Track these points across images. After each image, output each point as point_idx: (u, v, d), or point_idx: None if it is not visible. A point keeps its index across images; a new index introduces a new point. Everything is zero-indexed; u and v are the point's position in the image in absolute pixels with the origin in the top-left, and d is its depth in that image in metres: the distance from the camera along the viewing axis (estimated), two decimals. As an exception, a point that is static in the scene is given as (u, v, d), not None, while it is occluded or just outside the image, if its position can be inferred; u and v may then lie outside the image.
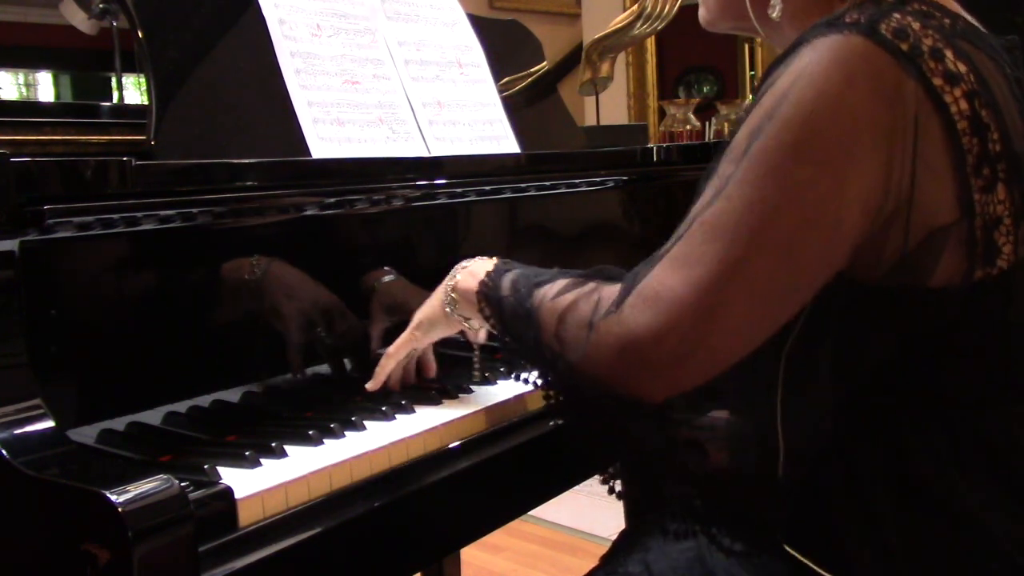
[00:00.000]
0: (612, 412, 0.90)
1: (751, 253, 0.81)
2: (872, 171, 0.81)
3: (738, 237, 0.81)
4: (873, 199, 0.82)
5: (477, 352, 1.19)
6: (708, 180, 0.86)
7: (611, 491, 1.10)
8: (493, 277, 1.01)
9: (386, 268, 1.22)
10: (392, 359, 1.13)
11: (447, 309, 1.08)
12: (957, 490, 0.86)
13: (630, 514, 1.85)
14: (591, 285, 0.92)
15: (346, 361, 1.19)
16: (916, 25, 0.84)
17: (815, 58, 0.82)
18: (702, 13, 1.08)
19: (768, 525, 0.94)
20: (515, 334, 0.97)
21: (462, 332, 1.14)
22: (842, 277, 0.86)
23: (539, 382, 0.97)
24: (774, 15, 0.97)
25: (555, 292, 0.94)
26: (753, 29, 1.03)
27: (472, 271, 1.05)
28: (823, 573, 0.89)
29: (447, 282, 1.08)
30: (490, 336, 1.10)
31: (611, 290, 0.89)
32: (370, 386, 1.13)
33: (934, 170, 0.83)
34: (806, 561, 0.90)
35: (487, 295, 1.01)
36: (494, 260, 1.05)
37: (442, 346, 1.19)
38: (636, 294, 0.85)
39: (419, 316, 1.12)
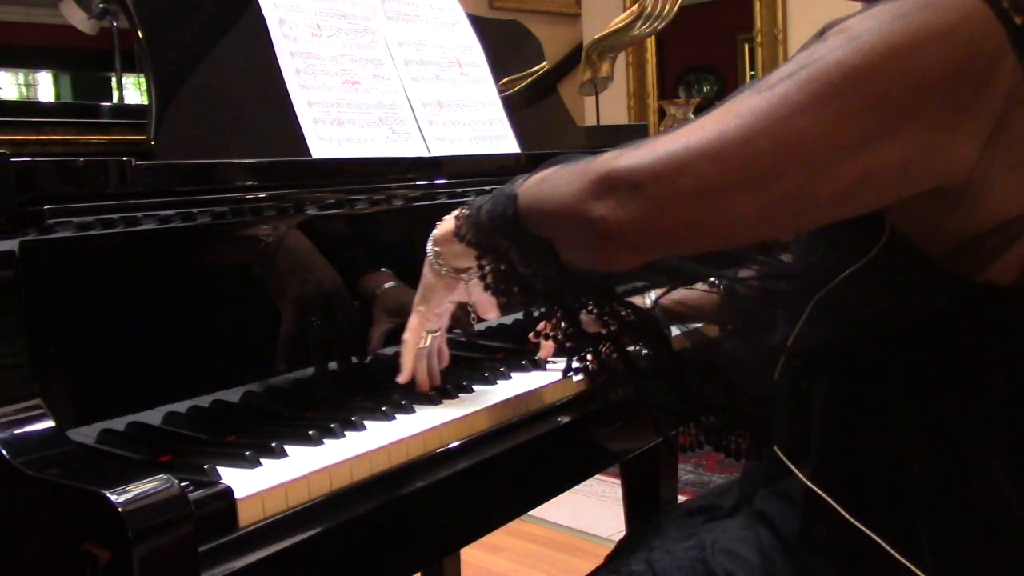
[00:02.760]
0: (597, 290, 0.89)
1: (769, 147, 0.77)
2: (929, 131, 0.77)
3: (764, 127, 0.77)
4: (919, 160, 0.78)
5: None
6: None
7: (720, 447, 1.06)
8: (471, 202, 1.00)
9: (386, 271, 1.22)
10: (410, 345, 1.11)
11: (436, 266, 1.06)
12: (989, 469, 0.85)
13: (630, 514, 1.86)
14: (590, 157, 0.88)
15: (345, 361, 1.19)
16: None
17: (920, 2, 0.77)
18: None
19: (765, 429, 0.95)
20: (492, 225, 0.94)
21: (464, 318, 1.12)
22: (904, 241, 0.83)
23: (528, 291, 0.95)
24: None
25: (541, 170, 0.92)
26: None
27: (447, 218, 1.04)
28: (842, 512, 0.88)
29: (428, 243, 1.06)
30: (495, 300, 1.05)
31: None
32: (401, 378, 1.11)
33: (1012, 158, 0.79)
34: (827, 498, 0.89)
35: (465, 216, 0.99)
36: None
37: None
38: (642, 142, 0.82)
39: (419, 295, 1.11)
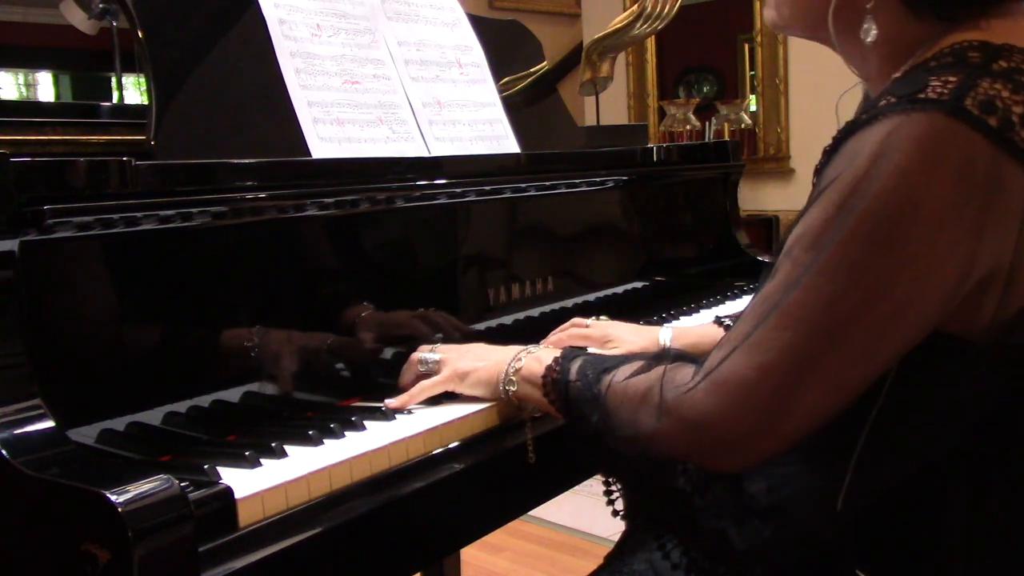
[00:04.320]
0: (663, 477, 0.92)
1: (826, 347, 0.80)
2: (957, 260, 0.78)
3: (814, 330, 0.80)
4: (955, 285, 0.79)
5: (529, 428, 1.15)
6: (782, 258, 0.84)
7: (614, 513, 1.09)
8: (561, 363, 1.01)
9: (364, 303, 1.21)
10: (426, 392, 1.12)
11: (503, 387, 1.08)
12: None
13: (631, 514, 1.85)
14: (660, 369, 0.91)
15: (346, 366, 1.19)
16: (1006, 92, 0.78)
17: (894, 145, 0.78)
18: (770, 15, 1.01)
19: (831, 552, 0.94)
20: (580, 417, 0.97)
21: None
22: (942, 336, 0.83)
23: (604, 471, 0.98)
24: (868, 40, 0.90)
25: (624, 376, 0.94)
26: (826, 40, 0.97)
27: (538, 356, 1.06)
28: None
29: (511, 363, 1.08)
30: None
31: (683, 373, 0.88)
32: (393, 404, 1.11)
33: None
34: None
35: (554, 380, 1.01)
36: (561, 349, 1.05)
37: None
38: (708, 379, 0.85)
39: (470, 368, 1.12)
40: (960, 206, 0.77)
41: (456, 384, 1.13)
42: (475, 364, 1.12)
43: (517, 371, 1.07)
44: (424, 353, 1.16)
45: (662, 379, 0.89)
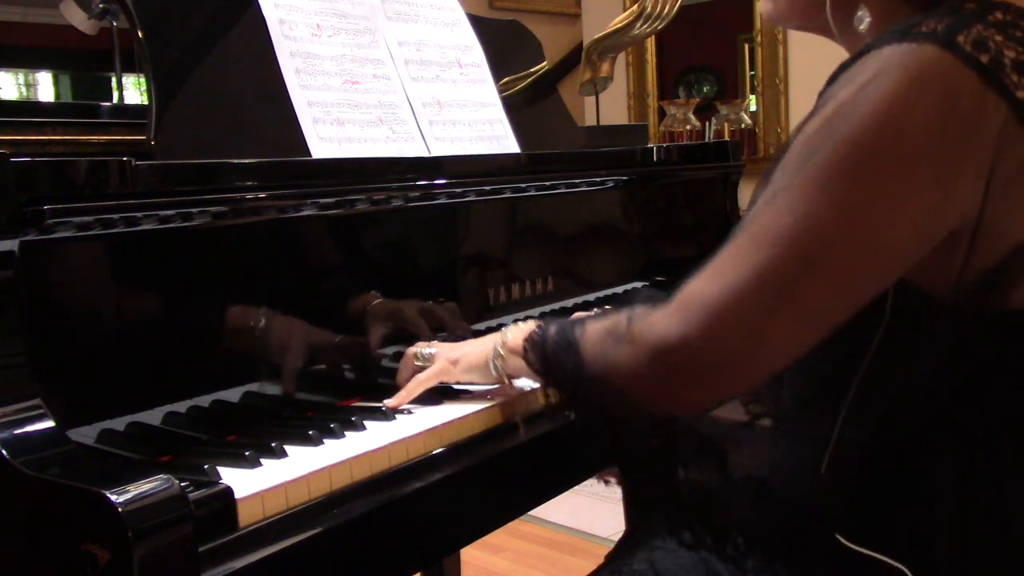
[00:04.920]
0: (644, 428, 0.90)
1: (798, 271, 0.78)
2: (934, 195, 0.77)
3: (786, 252, 0.78)
4: (931, 221, 0.78)
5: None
6: (761, 189, 0.83)
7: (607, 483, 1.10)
8: (542, 326, 1.01)
9: (373, 292, 1.21)
10: (422, 385, 1.13)
11: (493, 363, 1.09)
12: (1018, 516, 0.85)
13: (630, 514, 1.86)
14: (634, 306, 0.90)
15: (346, 366, 1.19)
16: (999, 37, 0.78)
17: (883, 70, 0.77)
18: (767, 8, 1.01)
19: (814, 518, 0.93)
20: (557, 367, 0.96)
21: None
22: (924, 298, 0.83)
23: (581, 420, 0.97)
24: (862, 27, 0.91)
25: (597, 320, 0.93)
26: (824, 30, 0.98)
27: (522, 327, 1.06)
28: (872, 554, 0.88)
29: (498, 338, 1.09)
30: None
31: (656, 308, 0.87)
32: (392, 403, 1.11)
33: (1017, 187, 0.79)
34: (854, 546, 0.88)
35: (534, 340, 1.01)
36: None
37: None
38: (675, 301, 0.84)
39: (461, 354, 1.13)
40: (942, 138, 0.76)
41: (449, 373, 1.13)
42: (465, 350, 1.14)
43: (504, 343, 1.07)
44: (419, 348, 1.17)
45: (632, 311, 0.88)
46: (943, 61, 0.77)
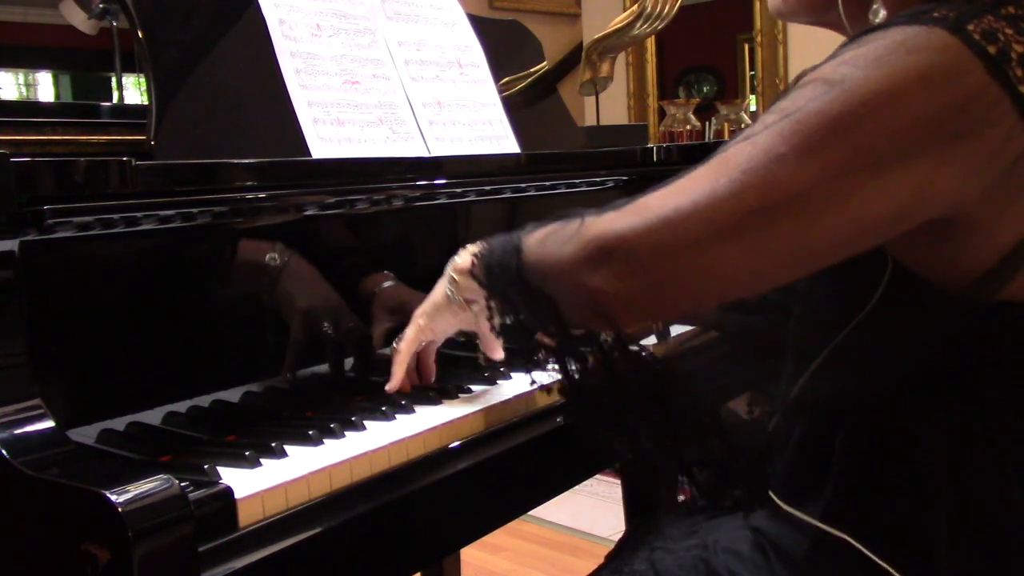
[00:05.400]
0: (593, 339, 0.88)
1: (754, 204, 0.77)
2: (917, 175, 0.77)
3: (747, 182, 0.77)
4: (909, 200, 0.78)
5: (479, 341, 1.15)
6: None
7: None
8: (488, 241, 1.00)
9: (386, 272, 1.22)
10: (404, 354, 1.11)
11: (448, 292, 1.06)
12: (1015, 501, 0.85)
13: (630, 514, 1.86)
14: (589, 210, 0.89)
15: (346, 361, 1.19)
16: (1009, 30, 0.78)
17: (890, 45, 0.77)
18: (775, 2, 1.00)
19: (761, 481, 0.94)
20: (502, 269, 0.93)
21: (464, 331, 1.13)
22: (909, 275, 0.83)
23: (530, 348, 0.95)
24: (877, 21, 0.90)
25: (545, 224, 0.92)
26: (835, 24, 0.97)
27: (470, 249, 1.04)
28: (862, 550, 0.88)
29: (448, 266, 1.07)
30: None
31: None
32: (390, 387, 1.11)
33: (1018, 181, 0.78)
34: (847, 538, 0.89)
35: (480, 253, 0.99)
36: None
37: (442, 346, 1.19)
38: (631, 202, 0.83)
39: (423, 305, 1.11)
40: (936, 119, 0.76)
41: (421, 329, 1.10)
42: (426, 299, 1.10)
43: (455, 267, 1.05)
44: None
45: (585, 213, 0.86)
46: (951, 46, 0.77)
